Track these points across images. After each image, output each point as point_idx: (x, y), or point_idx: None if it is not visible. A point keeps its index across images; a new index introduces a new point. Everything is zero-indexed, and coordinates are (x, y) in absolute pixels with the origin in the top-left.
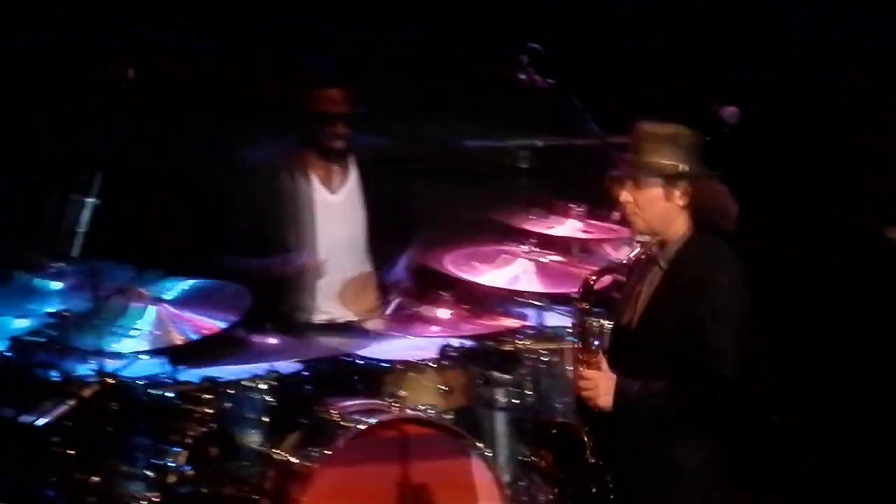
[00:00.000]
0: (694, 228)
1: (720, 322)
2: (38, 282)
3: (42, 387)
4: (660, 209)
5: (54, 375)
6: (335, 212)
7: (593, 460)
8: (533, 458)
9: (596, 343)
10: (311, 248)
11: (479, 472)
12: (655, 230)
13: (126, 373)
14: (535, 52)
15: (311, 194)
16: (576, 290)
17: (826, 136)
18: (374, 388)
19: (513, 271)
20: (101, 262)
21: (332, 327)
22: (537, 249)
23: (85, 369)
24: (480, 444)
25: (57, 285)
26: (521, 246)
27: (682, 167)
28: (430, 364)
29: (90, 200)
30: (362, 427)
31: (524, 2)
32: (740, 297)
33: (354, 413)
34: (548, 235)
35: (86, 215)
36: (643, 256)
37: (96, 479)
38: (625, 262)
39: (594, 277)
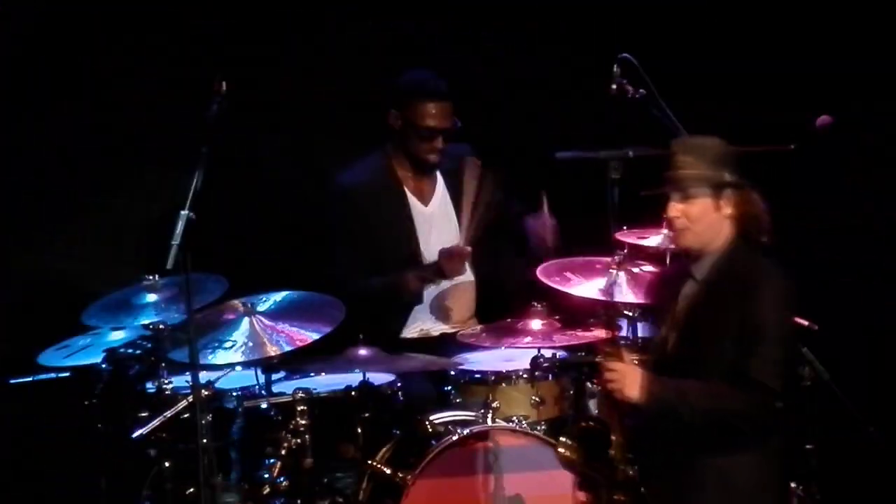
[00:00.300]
0: (735, 240)
1: (767, 334)
2: (133, 295)
3: (137, 399)
4: (710, 220)
5: (149, 387)
6: (429, 223)
7: (620, 461)
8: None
9: (620, 335)
10: (416, 262)
11: (572, 483)
12: (704, 242)
13: (220, 384)
14: (627, 63)
15: (408, 207)
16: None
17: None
18: (467, 400)
19: (605, 282)
20: (194, 274)
21: (427, 340)
22: (630, 260)
23: (179, 381)
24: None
25: (152, 298)
26: (614, 257)
27: (727, 176)
28: (523, 375)
29: (185, 213)
30: (455, 438)
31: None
32: (786, 309)
33: (448, 424)
34: (640, 246)
35: (180, 228)
36: (674, 270)
37: (191, 490)
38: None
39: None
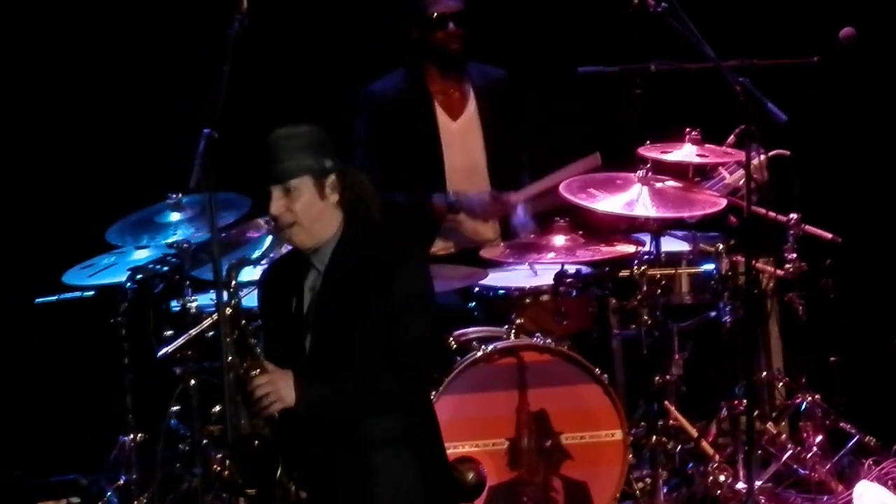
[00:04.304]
0: (347, 222)
1: (411, 310)
2: (157, 213)
3: (162, 317)
4: (317, 211)
5: (174, 306)
6: (455, 139)
7: (285, 477)
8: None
9: (254, 343)
10: (439, 176)
11: (597, 397)
12: (317, 236)
13: (245, 302)
14: None
15: (435, 121)
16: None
17: None
18: (492, 316)
19: (628, 197)
20: (220, 193)
21: (451, 257)
22: (653, 174)
23: (204, 299)
24: (597, 370)
25: (176, 216)
26: (637, 171)
27: (327, 162)
28: (547, 291)
29: (207, 132)
30: (480, 354)
31: None
32: (424, 278)
33: (472, 340)
34: (663, 160)
35: (202, 147)
36: (283, 263)
37: (217, 408)
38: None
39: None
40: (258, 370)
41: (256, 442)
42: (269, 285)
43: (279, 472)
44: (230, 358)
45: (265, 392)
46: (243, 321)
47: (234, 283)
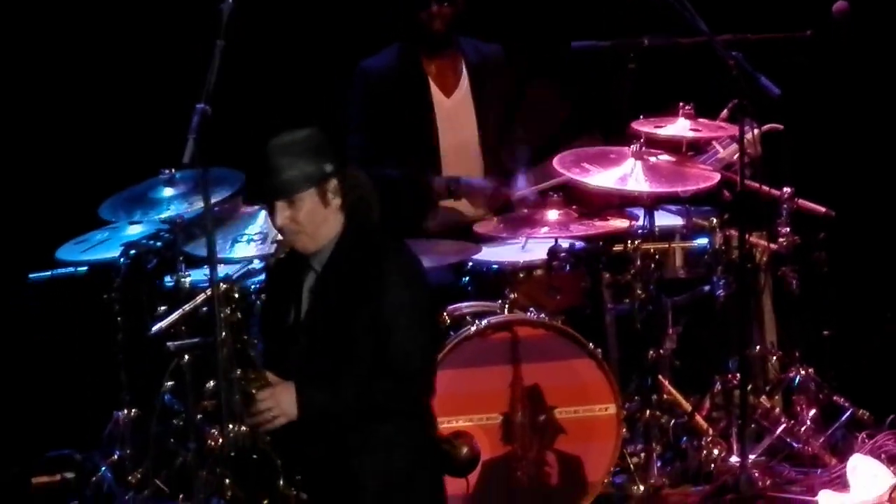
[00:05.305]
0: (346, 224)
1: (401, 321)
2: (150, 188)
3: (155, 293)
4: (321, 218)
5: (168, 281)
6: (448, 116)
7: (287, 487)
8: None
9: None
10: (433, 153)
11: (591, 372)
12: (320, 241)
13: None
14: None
15: (429, 97)
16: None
17: None
18: (485, 291)
19: (622, 172)
20: (213, 169)
21: (444, 232)
22: (646, 149)
23: (198, 275)
24: (591, 345)
25: (169, 192)
26: (631, 146)
27: (328, 166)
28: (540, 266)
29: (200, 106)
30: (474, 329)
31: None
32: (415, 287)
33: (465, 315)
34: (656, 135)
35: (196, 122)
36: (287, 259)
37: (211, 383)
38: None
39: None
40: (260, 383)
41: (255, 455)
42: (275, 276)
43: (280, 481)
44: (226, 363)
45: (268, 406)
46: (245, 335)
47: (236, 294)
